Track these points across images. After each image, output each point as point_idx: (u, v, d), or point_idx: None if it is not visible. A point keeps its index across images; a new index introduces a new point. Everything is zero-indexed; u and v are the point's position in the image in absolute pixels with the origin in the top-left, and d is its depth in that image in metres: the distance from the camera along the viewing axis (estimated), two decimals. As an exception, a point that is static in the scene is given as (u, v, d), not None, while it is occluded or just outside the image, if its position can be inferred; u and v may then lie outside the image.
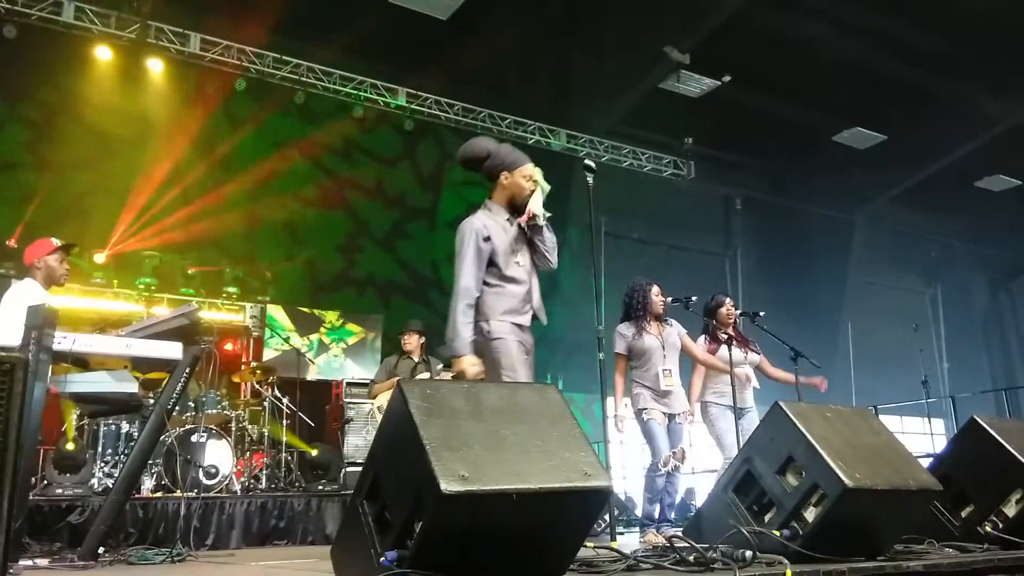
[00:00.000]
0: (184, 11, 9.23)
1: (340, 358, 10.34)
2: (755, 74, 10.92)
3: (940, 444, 10.57)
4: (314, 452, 7.34)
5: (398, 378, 6.45)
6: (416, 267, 11.47)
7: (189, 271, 9.34)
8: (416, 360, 6.72)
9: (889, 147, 12.86)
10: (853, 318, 13.20)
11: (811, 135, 12.69)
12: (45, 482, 5.61)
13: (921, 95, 11.40)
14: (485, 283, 3.51)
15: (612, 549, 2.75)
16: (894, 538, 2.91)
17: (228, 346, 9.27)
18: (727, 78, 10.89)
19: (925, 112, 11.59)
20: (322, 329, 10.34)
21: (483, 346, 3.42)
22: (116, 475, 5.27)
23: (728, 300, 5.54)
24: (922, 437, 10.58)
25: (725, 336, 5.24)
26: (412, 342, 6.75)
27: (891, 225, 14.65)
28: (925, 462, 3.52)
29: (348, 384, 8.00)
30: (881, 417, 3.46)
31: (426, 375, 6.57)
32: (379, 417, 6.56)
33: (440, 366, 6.70)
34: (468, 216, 3.61)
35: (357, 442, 7.44)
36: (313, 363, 9.57)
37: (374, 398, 6.76)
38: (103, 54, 8.82)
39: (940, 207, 14.57)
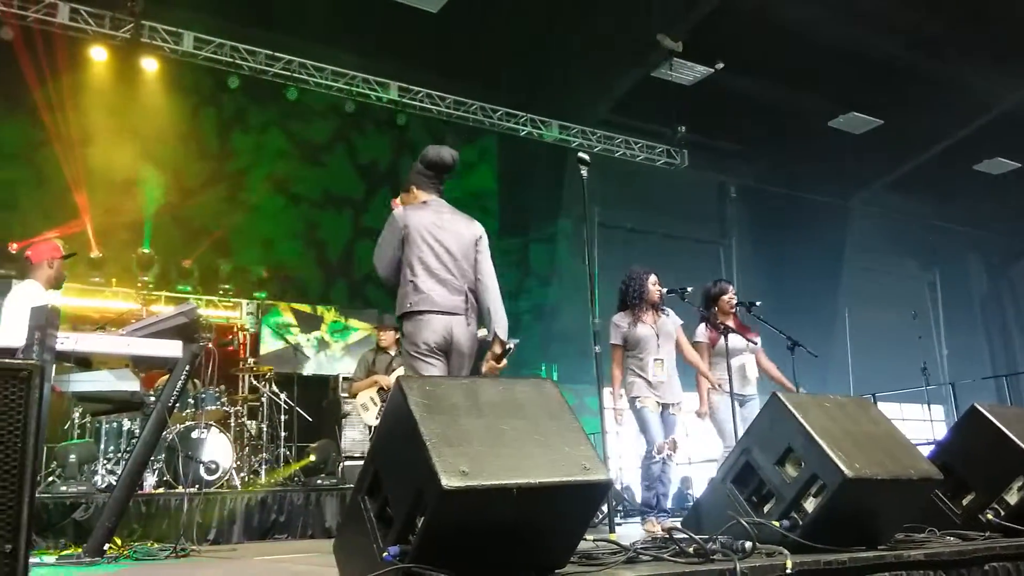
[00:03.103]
0: (177, 10, 9.20)
1: (339, 355, 10.35)
2: (748, 60, 10.88)
3: (940, 431, 10.61)
4: (311, 457, 7.34)
5: (376, 375, 6.48)
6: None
7: (184, 264, 9.34)
8: (392, 354, 6.70)
9: (885, 131, 12.82)
10: (850, 305, 13.20)
11: (806, 121, 12.65)
12: (50, 479, 5.62)
13: (918, 78, 11.36)
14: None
15: (611, 541, 2.76)
16: (895, 527, 2.92)
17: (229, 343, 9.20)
18: (720, 65, 10.86)
19: (922, 95, 11.56)
20: (323, 326, 10.35)
21: None
22: (119, 472, 5.29)
23: (731, 288, 5.54)
24: (922, 424, 10.60)
25: (723, 326, 5.24)
26: (388, 338, 6.70)
27: (888, 210, 14.64)
28: (925, 449, 3.54)
29: (345, 379, 8.01)
30: (880, 404, 3.48)
31: (403, 368, 6.54)
32: (363, 415, 6.54)
33: None
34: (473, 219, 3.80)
35: (355, 436, 7.45)
36: (308, 358, 9.59)
37: (354, 396, 6.69)
38: (99, 55, 8.81)
39: (938, 191, 14.56)
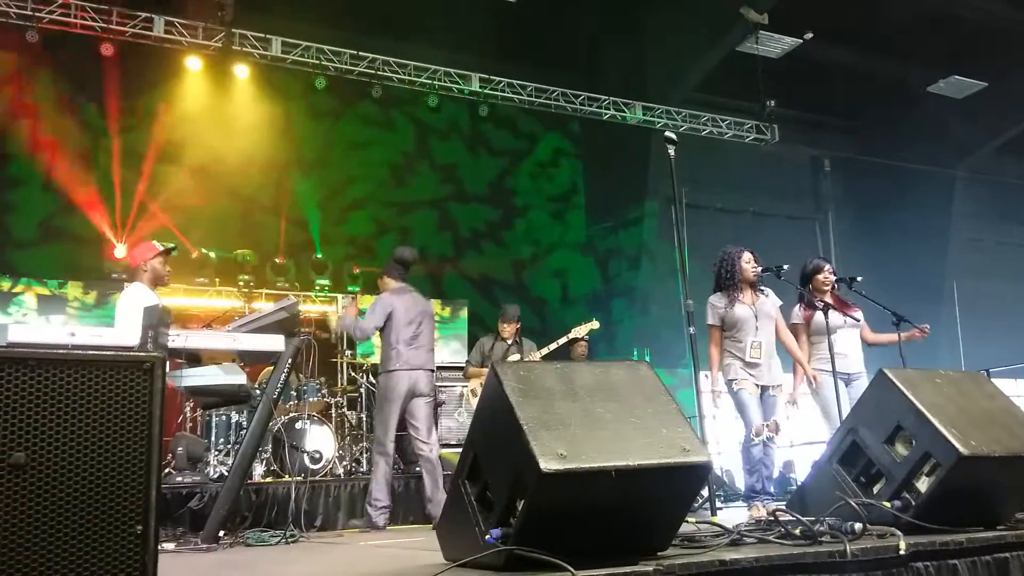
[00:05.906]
0: (263, 16, 9.51)
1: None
2: (839, 28, 10.44)
3: (1061, 406, 9.94)
4: None
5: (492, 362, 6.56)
6: (502, 255, 11.57)
7: (277, 260, 9.71)
8: (509, 342, 6.79)
9: (990, 94, 12.11)
10: (958, 278, 12.52)
11: (903, 88, 12.06)
12: (166, 471, 5.94)
13: (1022, 36, 10.66)
14: None
15: (715, 524, 2.72)
16: (1015, 506, 2.79)
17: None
18: (809, 35, 10.46)
19: (1029, 53, 10.86)
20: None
21: None
22: (230, 463, 5.55)
23: (827, 266, 5.33)
24: (1041, 400, 9.99)
25: (822, 303, 5.06)
26: (508, 330, 6.81)
27: (997, 177, 13.80)
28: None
29: (438, 368, 8.14)
30: (994, 380, 3.30)
31: (516, 356, 6.63)
32: (472, 400, 6.66)
33: (534, 348, 6.77)
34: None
35: (449, 424, 7.56)
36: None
37: (469, 380, 6.88)
38: (193, 65, 9.19)
39: (1051, 154, 13.65)
